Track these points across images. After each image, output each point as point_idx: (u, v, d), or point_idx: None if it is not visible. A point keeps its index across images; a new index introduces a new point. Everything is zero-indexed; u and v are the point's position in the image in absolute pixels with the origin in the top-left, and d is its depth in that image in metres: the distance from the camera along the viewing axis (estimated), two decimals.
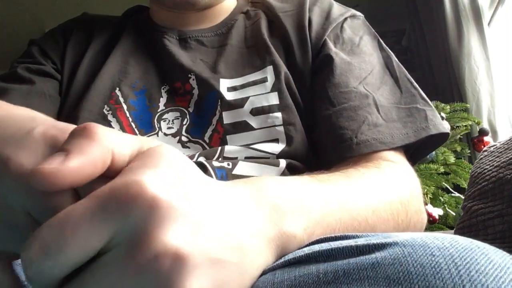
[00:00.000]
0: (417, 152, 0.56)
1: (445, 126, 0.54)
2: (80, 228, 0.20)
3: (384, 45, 0.61)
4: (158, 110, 0.56)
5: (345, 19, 0.60)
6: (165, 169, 0.22)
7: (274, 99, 0.53)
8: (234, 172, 0.48)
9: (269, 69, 0.56)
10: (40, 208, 0.22)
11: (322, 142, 0.53)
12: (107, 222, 0.20)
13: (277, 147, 0.51)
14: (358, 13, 0.63)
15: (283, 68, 0.55)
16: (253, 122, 0.52)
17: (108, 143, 0.22)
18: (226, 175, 0.48)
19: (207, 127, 0.53)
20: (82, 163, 0.21)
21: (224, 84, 0.55)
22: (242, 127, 0.52)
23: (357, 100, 0.52)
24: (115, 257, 0.21)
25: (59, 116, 0.57)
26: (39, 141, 0.23)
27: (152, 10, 0.66)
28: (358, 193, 0.40)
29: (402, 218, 0.43)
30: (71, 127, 0.24)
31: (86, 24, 0.66)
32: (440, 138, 0.54)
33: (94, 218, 0.20)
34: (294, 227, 0.30)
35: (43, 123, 0.24)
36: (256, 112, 0.53)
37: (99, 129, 0.23)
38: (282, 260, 0.27)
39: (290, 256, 0.27)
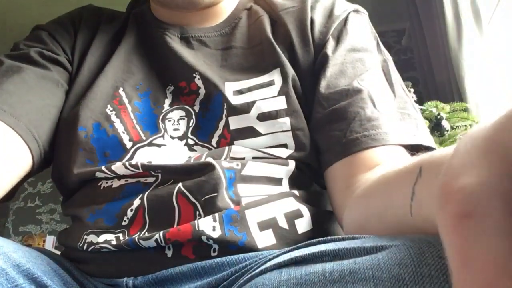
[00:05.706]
0: None
1: (432, 141, 0.51)
2: None
3: (382, 48, 0.59)
4: (163, 111, 0.54)
5: (349, 13, 0.59)
6: None
7: (281, 104, 0.51)
8: (243, 172, 0.48)
9: (276, 71, 0.54)
10: None
11: (318, 147, 0.52)
12: None
13: (285, 152, 0.50)
14: (362, 9, 0.61)
15: (291, 71, 0.54)
16: (260, 127, 0.51)
17: None
18: (235, 175, 0.47)
19: (213, 132, 0.52)
20: None
21: (229, 88, 0.54)
22: (249, 133, 0.51)
23: (348, 97, 0.50)
24: None
25: (61, 111, 0.55)
26: None
27: (152, 6, 0.64)
28: None
29: None
30: None
31: (94, 15, 0.64)
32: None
33: None
34: None
35: None
36: (263, 117, 0.51)
37: None
38: (288, 258, 0.27)
39: (296, 254, 0.27)
